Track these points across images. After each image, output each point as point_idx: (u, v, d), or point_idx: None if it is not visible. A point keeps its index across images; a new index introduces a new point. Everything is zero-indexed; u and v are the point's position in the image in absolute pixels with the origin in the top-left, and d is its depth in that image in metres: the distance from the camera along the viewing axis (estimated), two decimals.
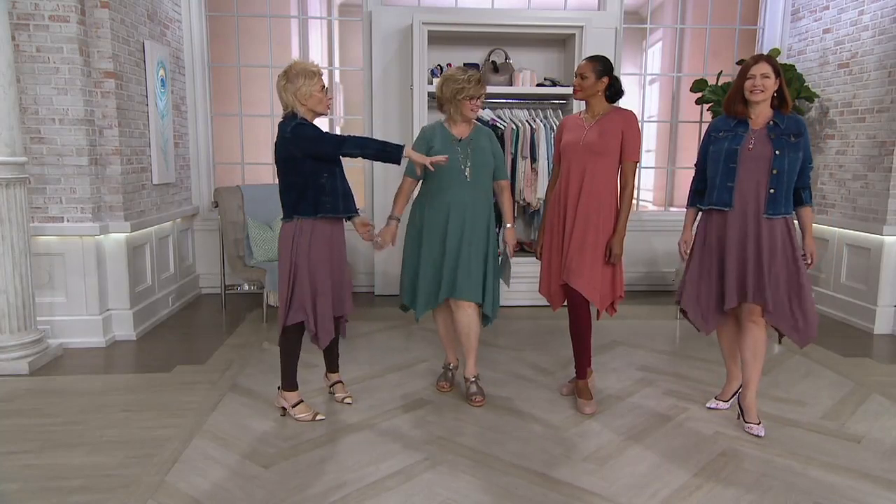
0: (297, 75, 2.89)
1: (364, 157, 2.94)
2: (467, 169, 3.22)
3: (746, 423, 3.08)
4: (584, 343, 3.26)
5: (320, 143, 2.89)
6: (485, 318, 3.36)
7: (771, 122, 2.93)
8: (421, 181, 3.33)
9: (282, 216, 3.06)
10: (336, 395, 3.36)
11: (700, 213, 3.17)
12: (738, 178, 2.96)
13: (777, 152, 2.88)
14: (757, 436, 3.00)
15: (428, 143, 3.25)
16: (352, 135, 3.01)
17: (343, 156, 2.95)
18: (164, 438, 2.92)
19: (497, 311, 3.35)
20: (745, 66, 2.96)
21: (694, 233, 3.22)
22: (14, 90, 3.67)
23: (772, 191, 2.90)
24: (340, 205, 3.00)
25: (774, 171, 2.89)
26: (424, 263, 3.27)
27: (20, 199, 3.73)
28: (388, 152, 2.90)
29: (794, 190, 2.96)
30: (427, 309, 3.33)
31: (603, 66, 3.12)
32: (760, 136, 2.93)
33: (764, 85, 2.88)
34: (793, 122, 2.92)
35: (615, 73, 3.20)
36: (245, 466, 2.69)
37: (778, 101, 2.94)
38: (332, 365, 3.39)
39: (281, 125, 2.95)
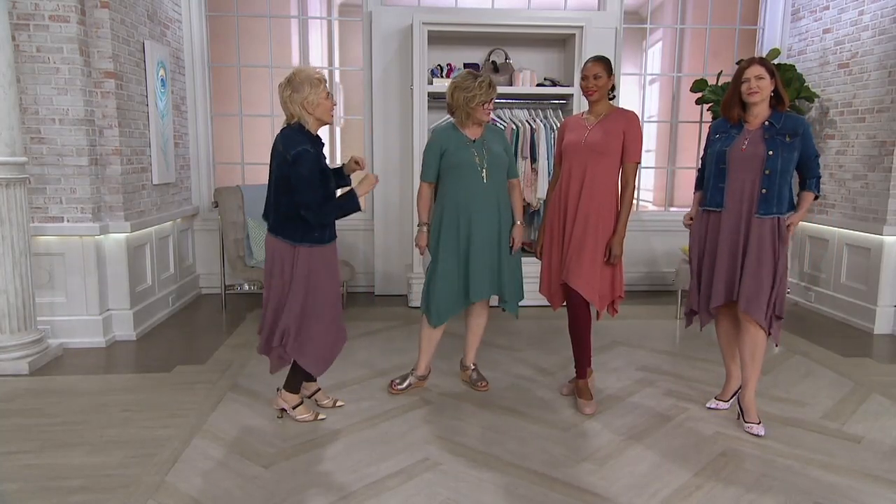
0: (302, 84, 2.79)
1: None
2: (484, 171, 3.25)
3: (746, 422, 3.08)
4: (583, 343, 3.26)
5: (304, 190, 2.78)
6: (510, 307, 3.45)
7: (767, 123, 2.94)
8: (437, 185, 3.37)
9: (269, 227, 2.96)
10: (322, 402, 3.29)
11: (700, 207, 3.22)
12: (729, 179, 3.00)
13: (770, 153, 2.89)
14: (757, 435, 3.01)
15: (441, 148, 3.27)
16: (328, 204, 2.87)
17: (311, 219, 2.85)
18: (164, 438, 2.92)
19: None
20: (738, 69, 3.00)
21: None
22: (14, 90, 3.67)
23: (764, 191, 2.92)
24: (326, 235, 2.96)
25: (767, 172, 2.90)
26: (461, 267, 3.30)
27: (20, 199, 3.73)
28: (350, 209, 2.92)
29: (801, 181, 2.99)
30: (457, 311, 3.37)
31: (609, 64, 3.17)
32: (755, 137, 2.94)
33: (759, 86, 2.90)
34: (790, 122, 2.92)
35: (616, 74, 3.23)
36: (245, 466, 2.69)
37: (775, 101, 2.96)
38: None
39: (285, 140, 2.82)
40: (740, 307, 2.98)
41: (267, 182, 3.00)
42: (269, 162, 2.95)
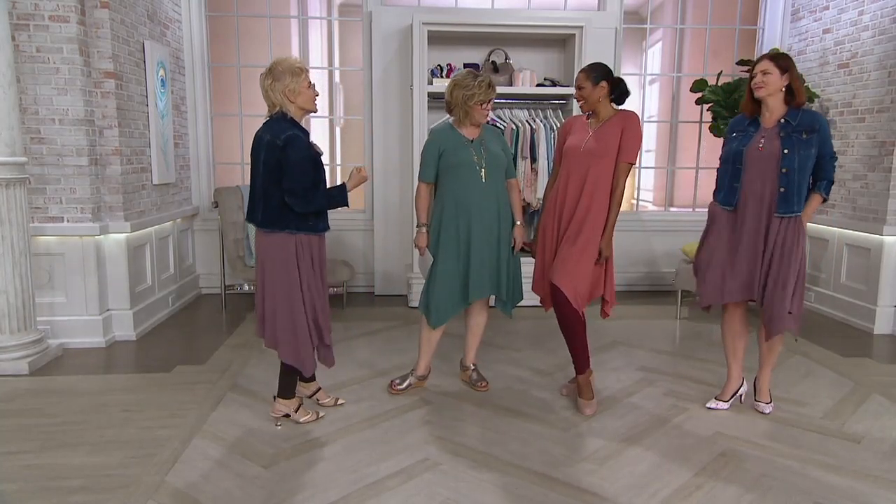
0: (283, 73, 2.80)
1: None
2: (483, 171, 3.25)
3: (756, 401, 3.22)
4: (576, 340, 3.22)
5: (292, 175, 2.76)
6: (506, 308, 3.47)
7: (783, 120, 2.93)
8: (436, 186, 3.37)
9: (260, 224, 2.89)
10: (324, 401, 3.29)
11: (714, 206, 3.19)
12: (745, 178, 2.99)
13: (786, 151, 2.88)
14: (763, 413, 3.18)
15: (440, 148, 3.27)
16: (316, 192, 2.85)
17: (295, 206, 2.81)
18: (164, 438, 2.92)
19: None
20: (753, 64, 3.01)
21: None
22: (14, 90, 3.67)
23: (782, 189, 2.91)
24: (321, 223, 2.95)
25: (784, 170, 2.89)
26: (461, 267, 3.30)
27: (20, 199, 3.73)
28: (337, 201, 2.91)
29: (812, 182, 2.97)
30: (457, 312, 3.37)
31: (597, 72, 3.12)
32: (771, 135, 2.94)
33: (763, 81, 2.90)
34: (807, 118, 2.90)
35: (616, 74, 3.20)
36: (245, 466, 2.69)
37: (790, 98, 2.93)
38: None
39: (272, 129, 2.81)
40: (759, 305, 3.03)
41: (250, 181, 2.96)
42: (253, 161, 2.91)
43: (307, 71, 2.89)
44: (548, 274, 3.26)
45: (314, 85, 2.93)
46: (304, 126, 2.94)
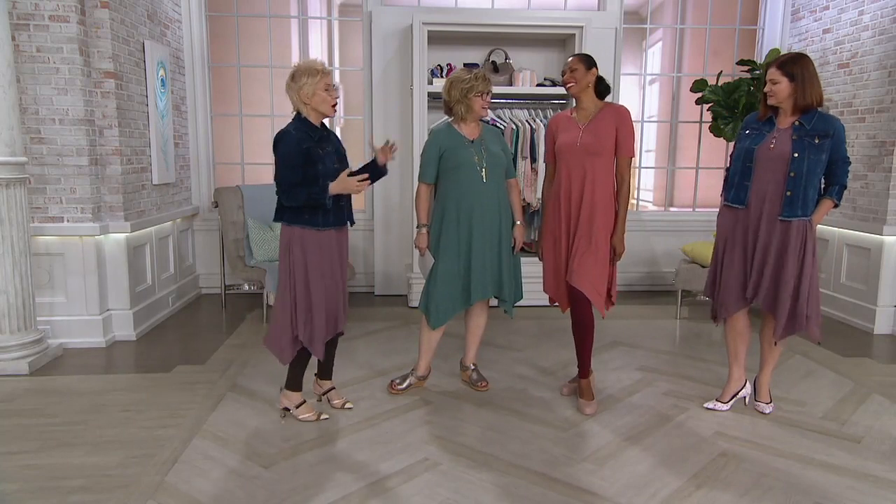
0: (301, 74, 2.84)
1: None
2: (483, 171, 3.25)
3: (757, 401, 3.23)
4: (586, 343, 3.25)
5: (278, 169, 2.84)
6: (507, 307, 3.46)
7: (797, 123, 2.91)
8: (437, 186, 3.37)
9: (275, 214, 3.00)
10: (333, 402, 3.28)
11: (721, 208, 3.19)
12: (754, 178, 2.98)
13: (796, 154, 2.87)
14: (763, 413, 3.19)
15: (440, 148, 3.27)
16: (298, 188, 2.83)
17: (281, 199, 2.88)
18: (164, 438, 2.92)
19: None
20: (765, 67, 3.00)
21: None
22: (14, 90, 3.67)
23: (788, 193, 2.90)
24: (320, 219, 2.90)
25: (791, 174, 2.88)
26: (462, 267, 3.29)
27: (20, 199, 3.73)
28: (315, 198, 2.85)
29: (825, 185, 2.96)
30: (458, 312, 3.36)
31: (590, 59, 3.17)
32: (783, 136, 2.92)
33: (772, 90, 2.90)
34: (822, 123, 2.88)
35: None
36: (245, 466, 2.69)
37: (799, 100, 2.89)
38: (326, 372, 3.30)
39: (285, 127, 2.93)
40: (763, 307, 3.03)
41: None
42: (271, 163, 2.95)
43: (325, 73, 2.88)
44: (564, 275, 3.24)
45: (332, 87, 2.91)
46: (323, 127, 2.97)
